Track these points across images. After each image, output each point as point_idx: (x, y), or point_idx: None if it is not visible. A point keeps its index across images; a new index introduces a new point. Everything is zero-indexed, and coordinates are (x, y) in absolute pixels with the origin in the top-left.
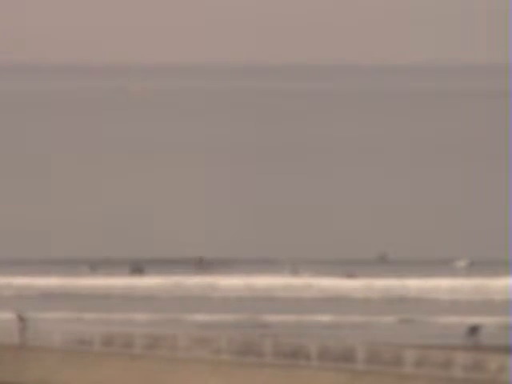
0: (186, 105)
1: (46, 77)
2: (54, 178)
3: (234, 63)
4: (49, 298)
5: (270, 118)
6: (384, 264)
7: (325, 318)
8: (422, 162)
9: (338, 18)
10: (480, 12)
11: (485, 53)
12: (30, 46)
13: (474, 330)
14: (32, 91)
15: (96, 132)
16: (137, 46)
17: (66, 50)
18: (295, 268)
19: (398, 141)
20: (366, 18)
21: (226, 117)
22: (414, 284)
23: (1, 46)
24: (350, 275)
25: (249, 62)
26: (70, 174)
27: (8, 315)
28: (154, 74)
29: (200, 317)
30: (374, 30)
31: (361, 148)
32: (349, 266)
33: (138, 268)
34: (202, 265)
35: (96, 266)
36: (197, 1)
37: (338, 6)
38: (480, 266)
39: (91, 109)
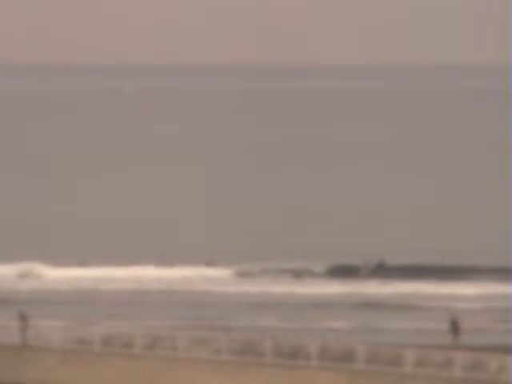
0: (186, 105)
1: (44, 76)
2: (52, 178)
3: (233, 63)
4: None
5: (270, 118)
6: (382, 269)
7: (325, 323)
8: (422, 163)
9: (338, 19)
10: (480, 12)
11: (485, 53)
12: (28, 46)
13: (455, 326)
14: (31, 91)
15: (94, 132)
16: (135, 46)
17: (65, 51)
18: (297, 272)
19: (398, 141)
20: (366, 18)
21: (225, 117)
22: (412, 289)
23: (0, 45)
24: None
25: (249, 62)
26: (69, 174)
27: (8, 315)
28: (150, 74)
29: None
30: (374, 31)
31: (361, 148)
32: (348, 271)
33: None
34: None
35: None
36: (195, 1)
37: (337, 7)
38: (480, 272)
39: (89, 109)
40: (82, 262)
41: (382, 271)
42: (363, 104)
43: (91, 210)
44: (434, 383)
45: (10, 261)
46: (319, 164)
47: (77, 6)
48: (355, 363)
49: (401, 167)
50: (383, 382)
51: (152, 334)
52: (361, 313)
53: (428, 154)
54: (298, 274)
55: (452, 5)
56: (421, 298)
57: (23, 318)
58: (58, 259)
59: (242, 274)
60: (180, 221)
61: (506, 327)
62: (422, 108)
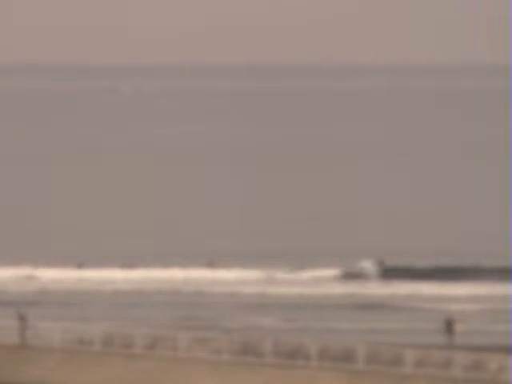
0: (185, 105)
1: (43, 76)
2: (51, 178)
3: (233, 63)
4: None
5: (269, 118)
6: (381, 269)
7: (325, 323)
8: (422, 163)
9: (338, 19)
10: (480, 12)
11: (485, 53)
12: (27, 46)
13: (449, 326)
14: (31, 91)
15: (93, 132)
16: (133, 46)
17: (64, 51)
18: (298, 273)
19: (397, 142)
20: (366, 18)
21: (225, 117)
22: (411, 291)
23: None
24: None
25: (249, 62)
26: (68, 174)
27: (8, 315)
28: (148, 74)
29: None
30: (374, 31)
31: (361, 148)
32: (345, 271)
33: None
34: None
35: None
36: (194, 1)
37: (338, 7)
38: (481, 273)
39: (88, 109)
40: (81, 263)
41: (382, 272)
42: (363, 104)
43: (90, 211)
44: (434, 383)
45: (9, 262)
46: (319, 164)
47: (76, 6)
48: (355, 363)
49: (400, 167)
50: (383, 382)
51: (152, 334)
52: (360, 314)
53: (428, 154)
54: (298, 275)
55: (452, 5)
56: (419, 300)
57: (23, 318)
58: (57, 260)
59: (243, 275)
60: (180, 221)
61: (504, 328)
62: (422, 108)
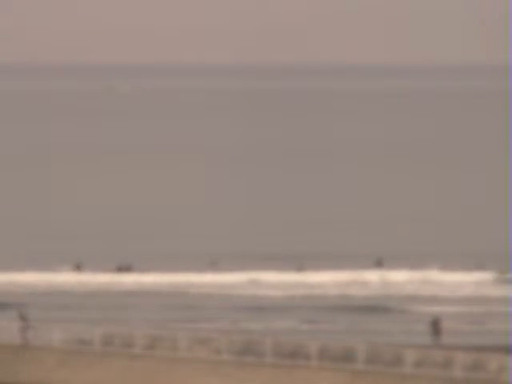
0: (185, 105)
1: (42, 76)
2: (52, 178)
3: (232, 63)
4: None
5: (269, 118)
6: (380, 269)
7: (325, 324)
8: (422, 163)
9: (338, 19)
10: (480, 12)
11: (485, 53)
12: (27, 46)
13: (435, 327)
14: (29, 91)
15: (92, 132)
16: (133, 46)
17: (64, 51)
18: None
19: (397, 141)
20: (366, 18)
21: (225, 117)
22: (408, 291)
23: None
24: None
25: (249, 62)
26: (68, 174)
27: (8, 315)
28: (147, 73)
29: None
30: (374, 31)
31: (361, 149)
32: (345, 270)
33: (126, 267)
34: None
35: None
36: (193, 1)
37: (338, 7)
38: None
39: (87, 109)
40: (79, 264)
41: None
42: (363, 104)
43: (89, 211)
44: (434, 383)
45: (9, 263)
46: (319, 164)
47: (76, 6)
48: (355, 363)
49: (400, 168)
50: (383, 382)
51: (152, 334)
52: (358, 314)
53: (428, 154)
54: (298, 277)
55: (452, 5)
56: (417, 301)
57: (23, 318)
58: (57, 261)
59: (244, 276)
60: (180, 222)
61: (501, 329)
62: (422, 108)
